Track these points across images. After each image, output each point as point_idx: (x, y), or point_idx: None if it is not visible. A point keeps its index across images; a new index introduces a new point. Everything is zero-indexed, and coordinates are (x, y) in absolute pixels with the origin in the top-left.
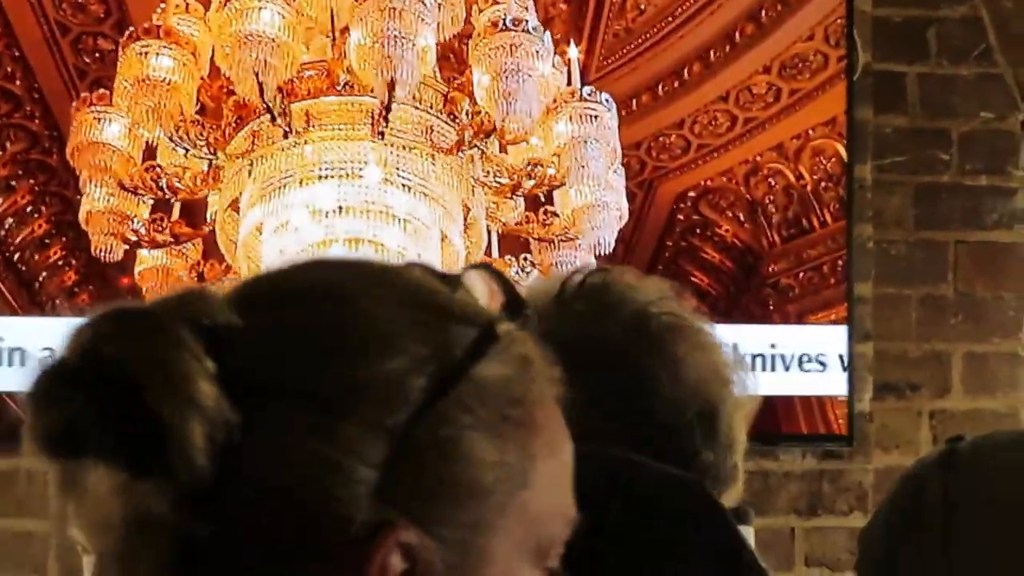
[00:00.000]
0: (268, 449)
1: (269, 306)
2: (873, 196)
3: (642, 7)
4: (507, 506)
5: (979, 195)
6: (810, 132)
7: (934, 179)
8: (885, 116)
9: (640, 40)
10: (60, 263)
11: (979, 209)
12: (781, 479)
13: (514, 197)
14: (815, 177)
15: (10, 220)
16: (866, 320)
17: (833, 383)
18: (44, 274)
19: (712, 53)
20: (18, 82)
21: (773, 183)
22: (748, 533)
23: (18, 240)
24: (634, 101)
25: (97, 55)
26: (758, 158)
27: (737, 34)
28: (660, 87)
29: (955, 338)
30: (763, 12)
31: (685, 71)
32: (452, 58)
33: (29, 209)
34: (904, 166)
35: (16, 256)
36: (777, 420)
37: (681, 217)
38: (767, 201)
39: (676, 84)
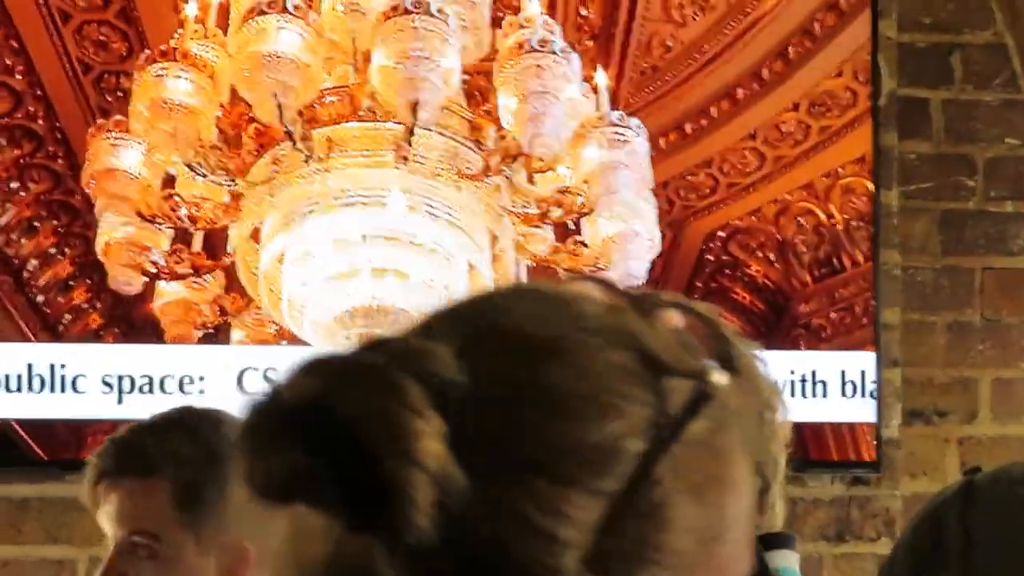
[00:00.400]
0: (486, 511)
1: (494, 362)
2: (899, 222)
3: (669, 44)
4: (702, 564)
5: (1004, 221)
6: (840, 170)
7: (960, 205)
8: (910, 142)
9: (667, 78)
10: (84, 306)
11: (1005, 235)
12: (809, 505)
13: (542, 226)
14: (845, 216)
15: (34, 262)
16: (893, 347)
17: (861, 410)
18: (68, 316)
19: (740, 90)
20: (40, 121)
21: (803, 222)
22: (792, 559)
23: (42, 282)
24: (661, 140)
25: (119, 93)
26: (787, 197)
27: (765, 71)
28: (687, 125)
29: (982, 364)
30: (791, 48)
31: (713, 109)
32: (478, 95)
33: (53, 251)
34: (929, 192)
35: (40, 298)
36: (805, 446)
37: (710, 257)
38: (797, 240)
39: (704, 122)
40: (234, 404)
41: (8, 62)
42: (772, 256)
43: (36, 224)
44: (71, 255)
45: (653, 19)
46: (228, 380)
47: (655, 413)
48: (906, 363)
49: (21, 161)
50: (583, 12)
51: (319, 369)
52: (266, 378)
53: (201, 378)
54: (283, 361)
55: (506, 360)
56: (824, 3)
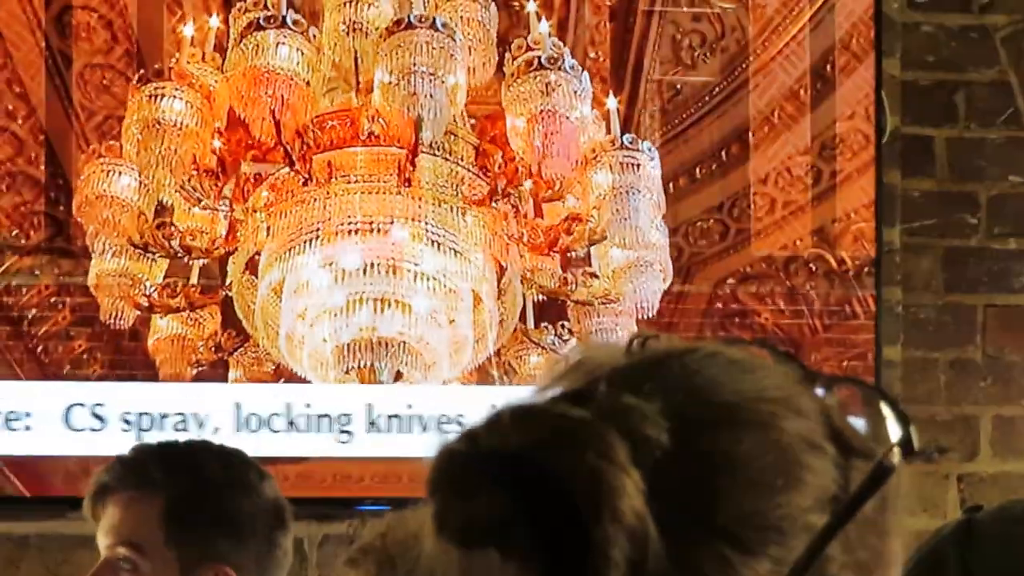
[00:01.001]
0: (672, 572)
1: (695, 427)
2: (902, 260)
3: (678, 87)
4: None
5: (1007, 259)
6: (851, 215)
7: (962, 242)
8: (914, 180)
9: (676, 122)
10: (84, 356)
11: (1007, 272)
12: None
13: (551, 254)
14: (857, 262)
15: (33, 311)
16: (895, 384)
17: None
18: (68, 367)
19: (750, 134)
20: (42, 167)
21: (814, 268)
22: None
23: (42, 332)
24: (671, 184)
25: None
26: (798, 243)
27: (776, 114)
28: (697, 169)
29: (984, 401)
30: (802, 91)
31: (723, 152)
32: (485, 121)
33: (53, 300)
34: (932, 229)
35: (39, 348)
36: None
37: (720, 305)
38: (808, 288)
39: (714, 166)
40: (235, 442)
41: (10, 107)
42: (782, 304)
43: (36, 272)
44: (71, 304)
45: (663, 61)
46: (228, 418)
47: (837, 488)
48: (907, 400)
49: (22, 208)
50: (592, 54)
51: (525, 420)
52: (260, 419)
53: (198, 415)
54: (280, 399)
55: (702, 425)
56: (835, 45)
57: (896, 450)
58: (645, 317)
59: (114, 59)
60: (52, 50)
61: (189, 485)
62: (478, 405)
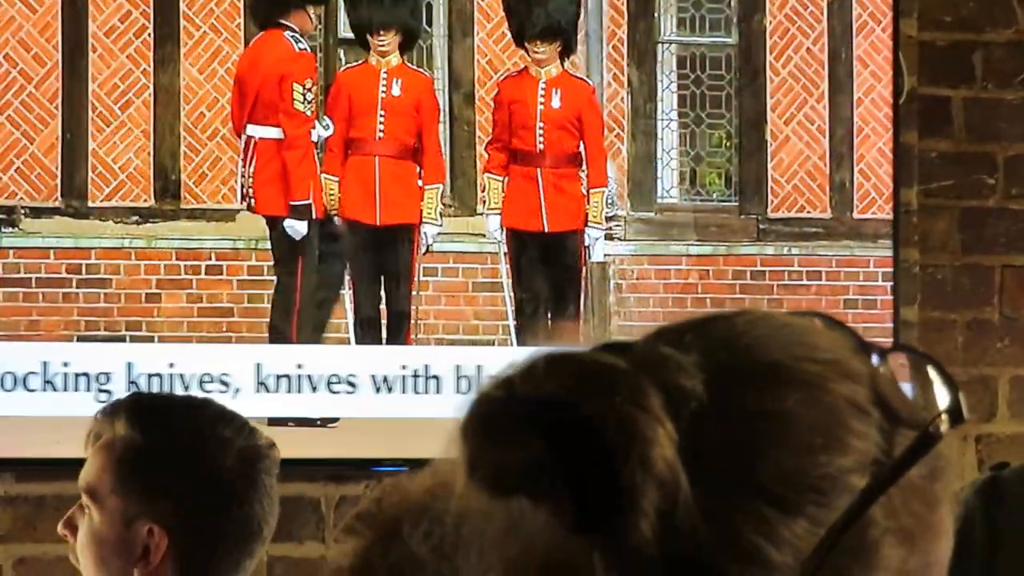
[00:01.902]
0: (706, 527)
1: (737, 383)
2: (919, 221)
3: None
4: None
5: None
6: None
7: (980, 203)
8: (931, 140)
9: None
10: None
11: None
12: None
13: None
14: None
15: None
16: (913, 344)
17: None
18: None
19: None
20: None
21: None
22: None
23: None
24: (689, 147)
25: None
26: (815, 203)
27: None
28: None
29: (1001, 362)
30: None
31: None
32: None
33: None
34: (950, 190)
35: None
36: None
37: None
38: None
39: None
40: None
41: None
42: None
43: None
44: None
45: (678, 25)
46: None
47: (879, 452)
48: None
49: None
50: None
51: (559, 366)
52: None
53: None
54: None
55: (744, 381)
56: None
57: (944, 418)
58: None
59: None
60: None
61: (150, 436)
62: None
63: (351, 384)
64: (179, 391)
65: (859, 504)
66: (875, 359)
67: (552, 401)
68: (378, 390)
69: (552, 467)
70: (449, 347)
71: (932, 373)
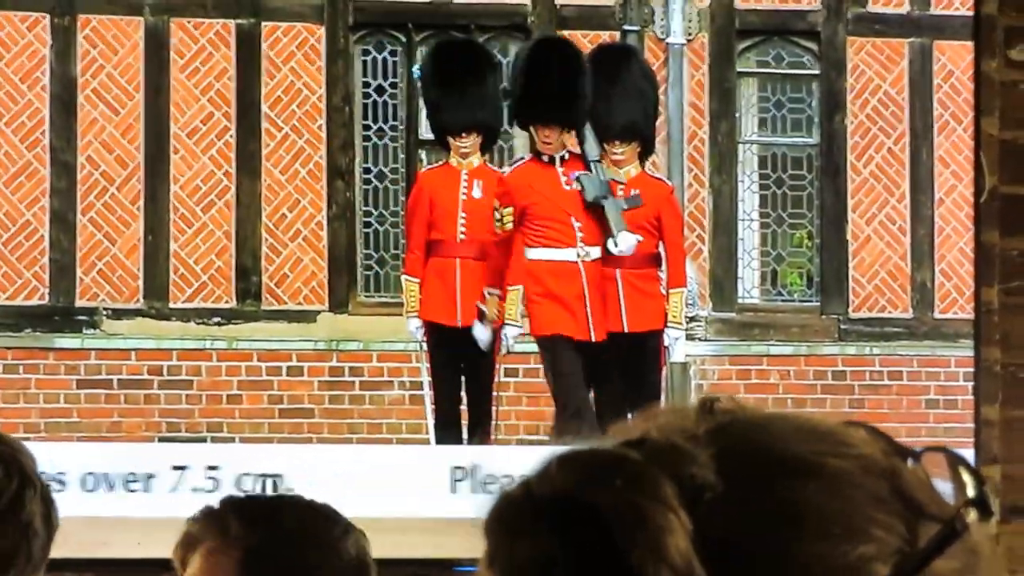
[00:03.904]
0: None
1: (749, 473)
2: (1000, 320)
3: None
4: None
5: None
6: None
7: None
8: (1012, 239)
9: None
10: None
11: None
12: None
13: None
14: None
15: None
16: (993, 443)
17: None
18: None
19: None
20: None
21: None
22: None
23: None
24: (769, 239)
25: None
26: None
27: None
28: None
29: None
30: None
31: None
32: None
33: None
34: None
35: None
36: None
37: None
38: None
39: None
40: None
41: None
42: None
43: None
44: None
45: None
46: None
47: (903, 543)
48: (1005, 460)
49: None
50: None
51: (574, 461)
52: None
53: None
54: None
55: (762, 471)
56: (933, 104)
57: (971, 512)
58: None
59: None
60: None
61: (266, 538)
62: None
63: (428, 483)
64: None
65: None
66: (912, 462)
67: (562, 495)
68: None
69: (565, 561)
70: (530, 447)
71: (962, 471)
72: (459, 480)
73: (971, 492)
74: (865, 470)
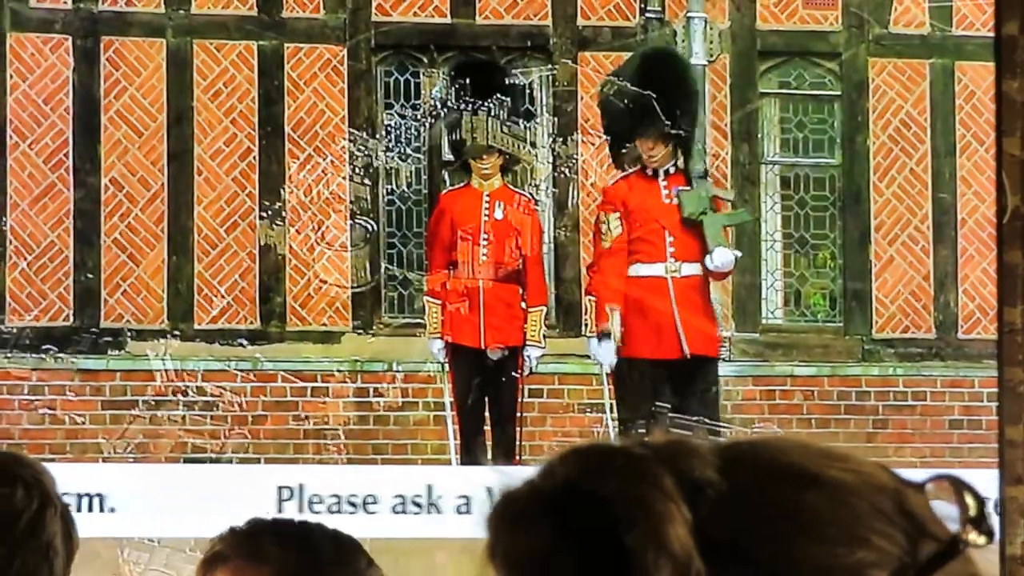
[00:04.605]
0: None
1: (753, 475)
2: (1023, 339)
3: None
4: None
5: None
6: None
7: None
8: None
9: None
10: None
11: None
12: None
13: None
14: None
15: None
16: (1017, 464)
17: None
18: None
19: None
20: None
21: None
22: None
23: None
24: (792, 262)
25: None
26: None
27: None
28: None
29: None
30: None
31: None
32: None
33: None
34: None
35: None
36: None
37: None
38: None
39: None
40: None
41: None
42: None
43: None
44: None
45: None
46: None
47: (903, 554)
48: None
49: None
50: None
51: (577, 455)
52: None
53: None
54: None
55: (766, 476)
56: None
57: (973, 532)
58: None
59: None
60: None
61: (299, 562)
62: None
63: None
64: (288, 513)
65: None
66: (910, 482)
67: (564, 485)
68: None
69: (566, 551)
70: None
71: (966, 495)
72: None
73: (972, 513)
74: (868, 485)
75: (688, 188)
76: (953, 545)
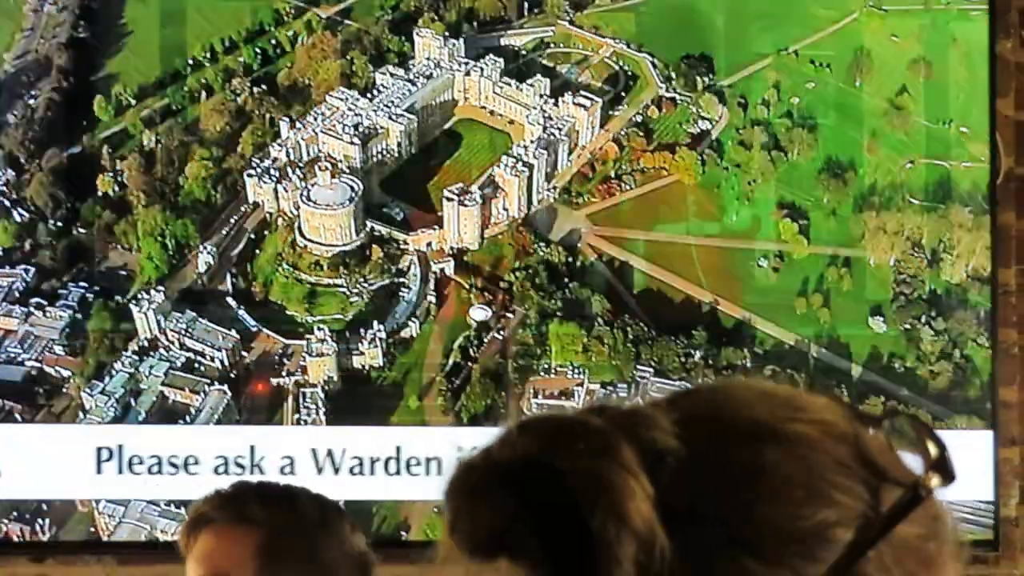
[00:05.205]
0: None
1: (711, 438)
2: (1017, 301)
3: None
4: None
5: None
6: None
7: None
8: None
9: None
10: None
11: None
12: None
13: None
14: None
15: None
16: (1011, 425)
17: (979, 488)
18: None
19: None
20: None
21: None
22: None
23: None
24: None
25: None
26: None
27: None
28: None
29: None
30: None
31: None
32: None
33: None
34: None
35: None
36: None
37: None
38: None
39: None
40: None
41: None
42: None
43: None
44: None
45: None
46: None
47: (866, 507)
48: None
49: None
50: None
51: (534, 427)
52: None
53: None
54: None
55: (723, 436)
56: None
57: (935, 477)
58: None
59: None
60: None
61: (285, 523)
62: None
63: None
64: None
65: (846, 557)
66: (867, 421)
67: (523, 460)
68: None
69: (527, 525)
70: None
71: (925, 437)
72: None
73: (933, 456)
74: (826, 435)
75: None
76: (915, 493)
